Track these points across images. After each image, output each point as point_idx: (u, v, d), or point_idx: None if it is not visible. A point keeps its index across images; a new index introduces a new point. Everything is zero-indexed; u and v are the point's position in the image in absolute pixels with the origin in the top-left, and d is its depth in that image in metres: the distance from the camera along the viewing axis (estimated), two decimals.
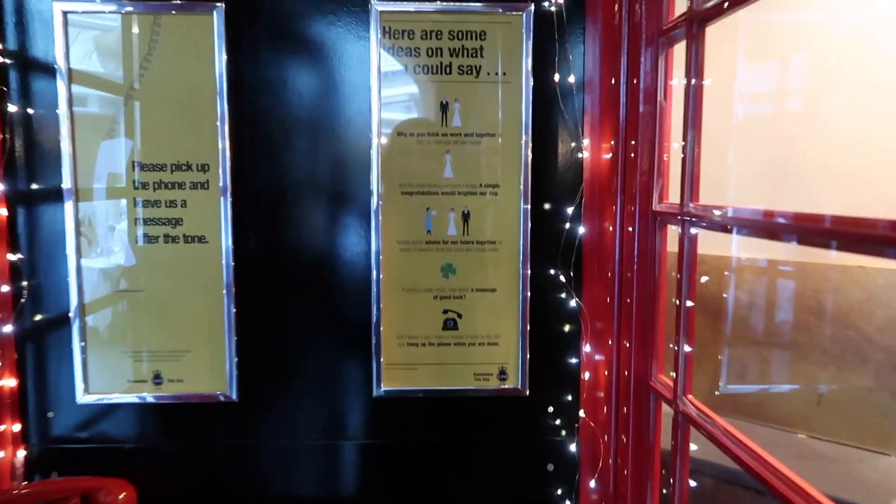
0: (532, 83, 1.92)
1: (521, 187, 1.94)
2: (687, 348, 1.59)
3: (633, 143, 1.80)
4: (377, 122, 1.91)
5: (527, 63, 1.91)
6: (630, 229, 1.82)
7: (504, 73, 1.93)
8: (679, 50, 1.66)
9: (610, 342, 1.91)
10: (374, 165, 1.92)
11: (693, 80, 1.51)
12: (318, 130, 1.93)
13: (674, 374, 1.62)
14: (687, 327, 1.58)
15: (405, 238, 1.95)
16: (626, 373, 1.85)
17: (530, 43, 1.90)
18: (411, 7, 1.88)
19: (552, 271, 1.99)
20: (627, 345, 1.84)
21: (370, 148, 1.92)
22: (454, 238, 1.95)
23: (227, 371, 1.97)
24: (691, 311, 1.58)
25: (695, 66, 1.51)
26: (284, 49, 1.91)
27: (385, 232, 1.94)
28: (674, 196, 1.65)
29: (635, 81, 1.77)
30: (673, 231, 1.70)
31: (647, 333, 1.78)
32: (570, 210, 1.97)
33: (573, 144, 1.96)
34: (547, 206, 1.97)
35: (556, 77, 1.93)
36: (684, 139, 1.53)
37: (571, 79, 1.93)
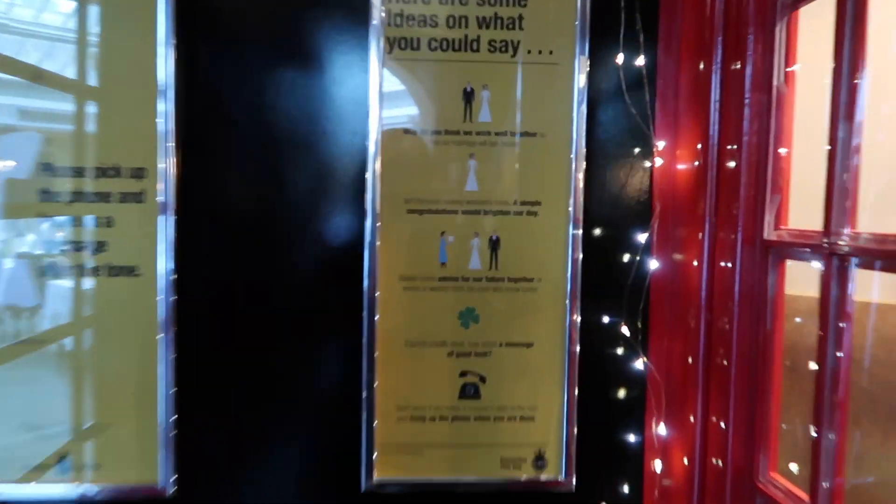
0: (588, 66, 1.42)
1: (570, 206, 1.43)
2: (832, 436, 1.07)
3: (730, 147, 1.30)
4: (377, 114, 1.39)
5: (582, 39, 1.41)
6: (727, 264, 1.31)
7: (551, 52, 1.43)
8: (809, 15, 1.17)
9: (692, 418, 1.39)
10: (369, 173, 1.40)
11: (847, 48, 1.02)
12: (296, 128, 1.42)
13: (796, 467, 1.11)
14: (835, 403, 1.06)
15: (411, 273, 1.43)
16: (718, 462, 1.32)
17: (587, 11, 1.40)
18: None
19: (610, 319, 1.47)
20: (721, 424, 1.31)
21: (365, 150, 1.40)
22: (478, 273, 1.44)
23: (159, 454, 1.42)
24: (842, 378, 1.05)
25: (851, 31, 1.01)
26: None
27: (384, 264, 1.42)
28: (798, 218, 1.16)
29: (737, 65, 1.27)
30: (797, 269, 1.19)
31: (753, 408, 1.26)
32: (636, 237, 1.46)
33: (641, 149, 1.46)
34: (604, 231, 1.46)
35: (620, 58, 1.43)
36: (832, 137, 1.03)
37: (640, 61, 1.43)
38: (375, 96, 1.39)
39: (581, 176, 1.43)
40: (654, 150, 1.45)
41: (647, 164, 1.46)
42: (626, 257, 1.47)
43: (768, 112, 1.23)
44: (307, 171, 1.44)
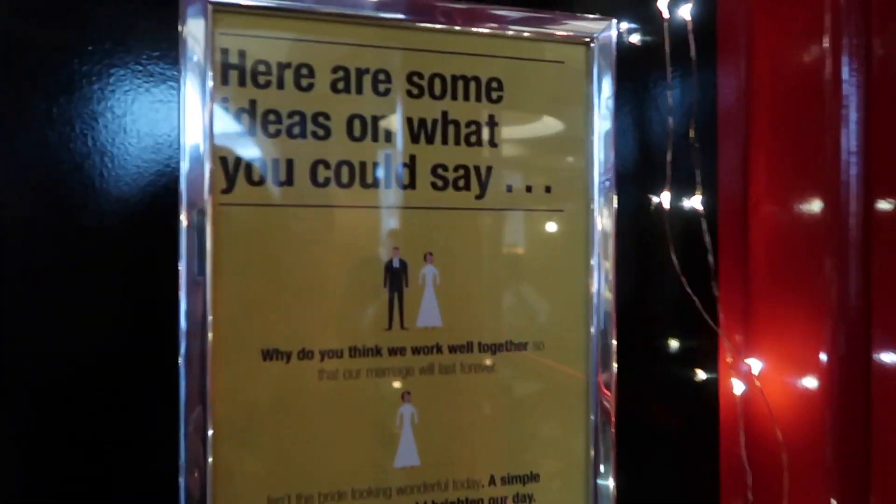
0: (613, 212, 0.76)
1: (590, 489, 0.74)
2: None
3: None
4: None
5: (605, 168, 0.76)
6: None
7: (548, 189, 0.76)
8: None
9: None
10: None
11: None
12: None
13: None
14: None
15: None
16: None
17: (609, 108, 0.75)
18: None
19: None
20: None
21: None
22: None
23: None
24: None
25: None
26: None
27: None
28: None
29: None
30: None
31: None
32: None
33: (703, 365, 0.81)
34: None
35: (663, 198, 0.79)
36: None
37: (697, 202, 0.80)
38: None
39: (610, 435, 0.75)
40: (734, 368, 0.81)
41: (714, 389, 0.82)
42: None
43: None
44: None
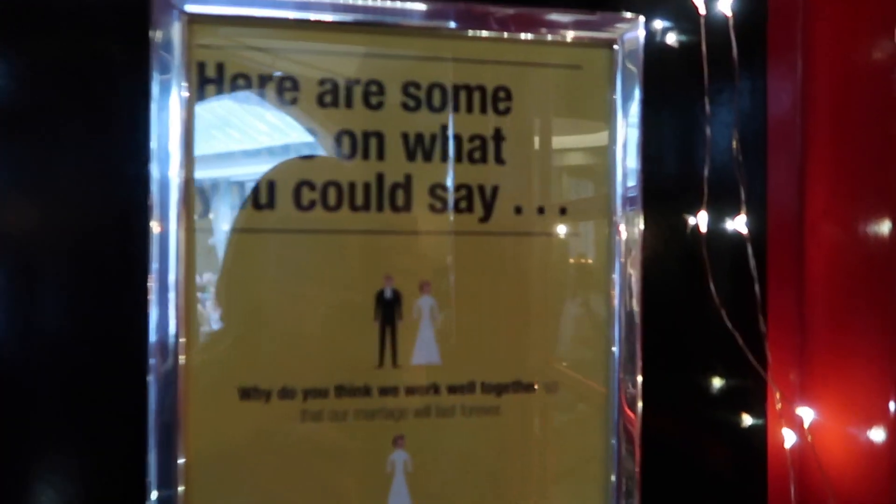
0: (640, 236, 0.67)
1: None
2: None
3: None
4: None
5: (626, 184, 0.67)
6: None
7: (563, 211, 0.68)
8: None
9: None
10: None
11: None
12: None
13: None
14: None
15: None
16: None
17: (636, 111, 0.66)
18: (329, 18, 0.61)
19: None
20: None
21: None
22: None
23: None
24: None
25: None
26: None
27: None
28: None
29: None
30: None
31: None
32: None
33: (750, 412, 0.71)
34: None
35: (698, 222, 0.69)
36: None
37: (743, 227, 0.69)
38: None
39: (634, 492, 0.66)
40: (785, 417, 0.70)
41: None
42: None
43: None
44: None
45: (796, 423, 0.70)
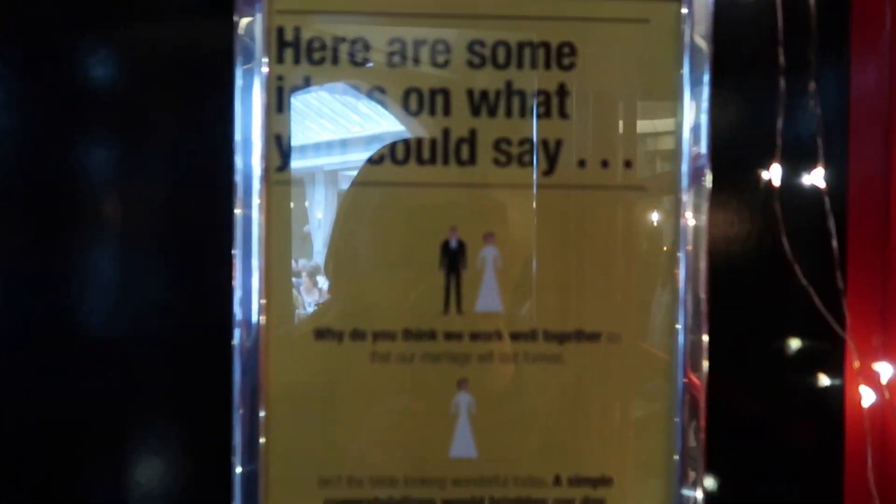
0: (707, 195, 0.66)
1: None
2: None
3: None
4: None
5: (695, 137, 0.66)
6: None
7: (628, 164, 0.68)
8: None
9: None
10: None
11: None
12: None
13: None
14: None
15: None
16: None
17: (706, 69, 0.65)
18: None
19: None
20: None
21: None
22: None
23: None
24: None
25: None
26: None
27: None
28: None
29: None
30: None
31: None
32: None
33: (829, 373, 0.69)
34: None
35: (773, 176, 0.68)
36: None
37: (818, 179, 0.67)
38: None
39: (698, 441, 0.66)
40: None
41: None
42: None
43: None
44: None
45: (875, 382, 0.67)
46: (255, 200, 0.65)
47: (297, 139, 0.66)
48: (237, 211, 0.65)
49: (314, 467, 0.67)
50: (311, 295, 0.67)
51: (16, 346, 0.70)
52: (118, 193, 0.71)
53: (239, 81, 0.65)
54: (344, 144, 0.67)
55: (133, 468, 0.72)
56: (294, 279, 0.67)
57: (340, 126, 0.68)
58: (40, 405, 0.71)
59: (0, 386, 0.69)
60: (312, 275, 0.68)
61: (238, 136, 0.65)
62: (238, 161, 0.65)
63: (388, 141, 0.67)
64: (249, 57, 0.65)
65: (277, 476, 0.66)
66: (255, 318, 0.65)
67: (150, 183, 0.73)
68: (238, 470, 0.65)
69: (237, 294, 0.65)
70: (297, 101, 0.66)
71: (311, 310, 0.67)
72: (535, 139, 0.67)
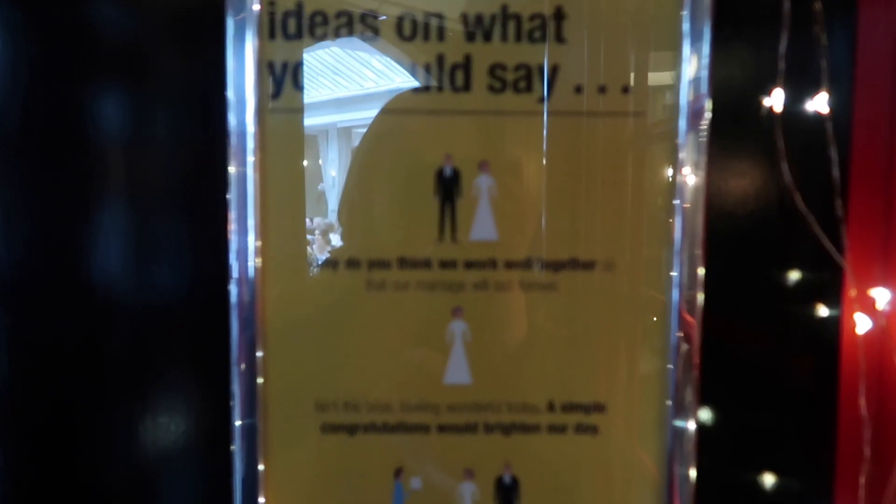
0: (707, 118, 0.65)
1: (666, 425, 0.67)
2: None
3: None
4: None
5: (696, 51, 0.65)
6: None
7: (625, 90, 0.67)
8: None
9: None
10: None
11: None
12: None
13: None
14: None
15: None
16: None
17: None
18: None
19: None
20: None
21: None
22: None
23: None
24: None
25: None
26: None
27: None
28: None
29: None
30: None
31: None
32: None
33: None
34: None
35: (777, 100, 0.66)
36: None
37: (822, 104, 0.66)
38: None
39: (692, 371, 0.67)
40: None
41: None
42: None
43: None
44: None
45: (871, 309, 0.67)
46: (249, 130, 0.65)
47: (289, 64, 0.65)
48: (231, 143, 0.65)
49: (311, 393, 0.68)
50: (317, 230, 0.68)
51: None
52: (112, 139, 0.71)
53: (230, 8, 0.64)
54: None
55: (138, 404, 0.74)
56: (291, 215, 0.67)
57: (341, 73, 0.67)
58: (40, 356, 0.72)
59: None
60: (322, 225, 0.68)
61: (230, 63, 0.65)
62: (230, 93, 0.65)
63: (385, 80, 0.66)
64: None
65: (275, 400, 0.67)
66: (251, 245, 0.66)
67: (144, 123, 0.72)
68: (236, 392, 0.66)
69: (232, 232, 0.65)
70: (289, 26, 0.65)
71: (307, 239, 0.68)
72: (531, 64, 0.66)
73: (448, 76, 0.66)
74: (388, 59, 0.66)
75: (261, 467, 0.67)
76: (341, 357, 0.68)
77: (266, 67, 0.65)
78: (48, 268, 0.72)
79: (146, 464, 0.75)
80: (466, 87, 0.66)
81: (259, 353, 0.66)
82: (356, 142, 0.68)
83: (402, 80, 0.66)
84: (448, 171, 0.66)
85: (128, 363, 0.73)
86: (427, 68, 0.66)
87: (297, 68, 0.65)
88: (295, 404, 0.68)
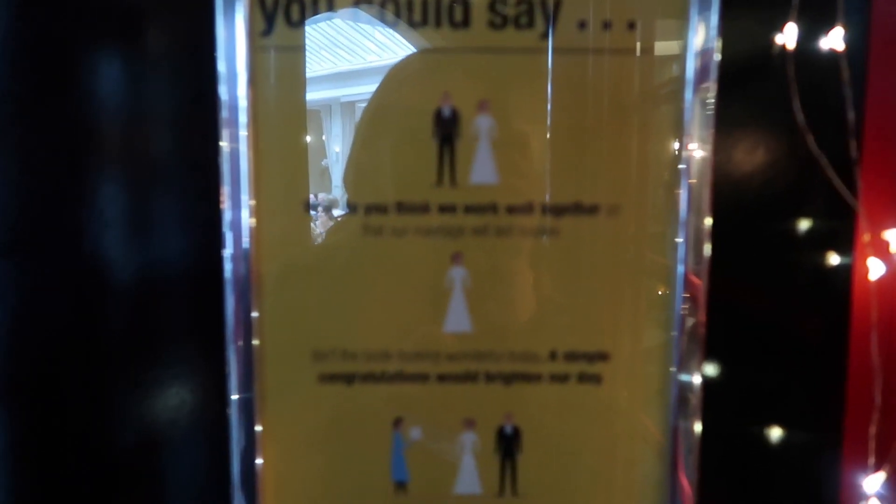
0: (717, 52, 0.62)
1: (672, 374, 0.65)
2: None
3: None
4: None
5: None
6: None
7: (631, 25, 0.64)
8: None
9: None
10: None
11: None
12: None
13: None
14: None
15: None
16: None
17: None
18: None
19: None
20: None
21: None
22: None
23: None
24: None
25: None
26: None
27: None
28: None
29: None
30: None
31: None
32: None
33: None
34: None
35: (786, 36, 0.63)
36: None
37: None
38: None
39: (698, 321, 0.65)
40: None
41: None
42: None
43: None
44: None
45: (884, 252, 0.65)
46: (240, 70, 0.62)
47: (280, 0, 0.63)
48: (221, 89, 0.63)
49: (308, 342, 0.66)
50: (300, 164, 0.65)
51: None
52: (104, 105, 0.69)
53: None
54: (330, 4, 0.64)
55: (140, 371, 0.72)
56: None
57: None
58: (34, 331, 0.70)
59: None
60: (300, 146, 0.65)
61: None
62: (220, 28, 0.62)
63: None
64: None
65: (272, 350, 0.66)
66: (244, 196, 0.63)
67: (133, 78, 0.70)
68: (232, 347, 0.65)
69: (225, 194, 0.63)
70: None
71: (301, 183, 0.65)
72: None
73: (446, 12, 0.63)
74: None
75: (258, 428, 0.66)
76: (338, 305, 0.66)
77: (256, 2, 0.62)
78: (39, 243, 0.70)
79: (145, 432, 0.74)
80: (465, 23, 0.63)
81: (255, 313, 0.64)
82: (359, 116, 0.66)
83: (405, 52, 0.64)
84: (447, 112, 0.64)
85: (123, 323, 0.71)
86: (424, 3, 0.63)
87: (289, 1, 0.62)
88: (292, 355, 0.66)
